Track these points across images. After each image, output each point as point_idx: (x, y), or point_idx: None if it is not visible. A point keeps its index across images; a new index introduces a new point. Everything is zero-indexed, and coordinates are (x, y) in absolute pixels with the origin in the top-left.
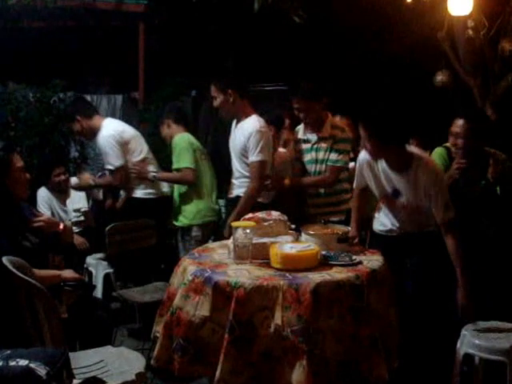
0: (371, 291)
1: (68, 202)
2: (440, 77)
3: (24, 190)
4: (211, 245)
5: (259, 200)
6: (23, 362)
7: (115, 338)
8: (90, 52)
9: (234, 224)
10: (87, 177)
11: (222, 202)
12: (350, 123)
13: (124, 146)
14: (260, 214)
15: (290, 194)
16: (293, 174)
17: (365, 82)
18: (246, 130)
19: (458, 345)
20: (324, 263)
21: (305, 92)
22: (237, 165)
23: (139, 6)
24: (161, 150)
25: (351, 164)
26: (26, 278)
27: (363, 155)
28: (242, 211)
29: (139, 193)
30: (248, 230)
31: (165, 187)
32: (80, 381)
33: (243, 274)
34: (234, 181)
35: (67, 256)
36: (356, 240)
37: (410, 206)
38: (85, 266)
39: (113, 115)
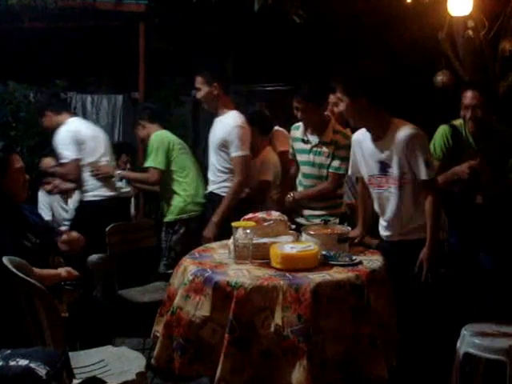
0: (371, 291)
1: (70, 201)
2: (440, 77)
3: (22, 192)
4: (212, 245)
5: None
6: (23, 362)
7: (115, 338)
8: (90, 52)
9: (235, 224)
10: (49, 162)
11: None
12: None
13: (79, 145)
14: (260, 214)
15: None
16: (283, 173)
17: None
18: (228, 124)
19: (458, 344)
20: (324, 263)
21: (305, 93)
22: (213, 159)
23: (139, 6)
24: None
25: None
26: (27, 277)
27: (355, 136)
28: (227, 207)
29: (90, 195)
30: (248, 230)
31: (124, 188)
32: (80, 380)
33: (243, 274)
34: (209, 176)
35: (68, 256)
36: (357, 240)
37: (398, 182)
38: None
39: (113, 115)
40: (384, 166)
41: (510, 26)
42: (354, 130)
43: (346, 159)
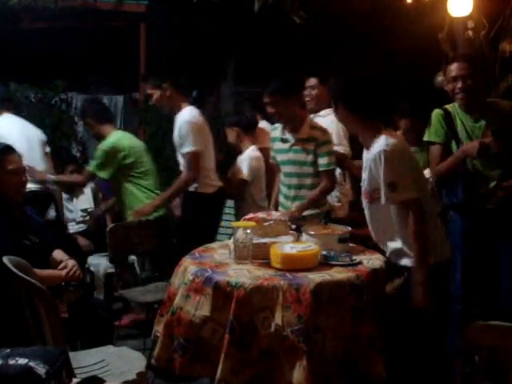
0: (371, 291)
1: (75, 202)
2: (440, 78)
3: (18, 193)
4: (212, 245)
5: None
6: (22, 361)
7: (116, 338)
8: (91, 52)
9: (235, 224)
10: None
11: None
12: None
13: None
14: (260, 214)
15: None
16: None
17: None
18: (178, 122)
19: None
20: (324, 263)
21: (272, 87)
22: (179, 158)
23: (140, 7)
24: (161, 151)
25: None
26: (27, 277)
27: None
28: (170, 196)
29: None
30: (248, 230)
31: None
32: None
33: (244, 274)
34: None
35: (69, 256)
36: None
37: (369, 197)
38: (86, 266)
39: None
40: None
41: (509, 26)
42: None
43: (331, 153)
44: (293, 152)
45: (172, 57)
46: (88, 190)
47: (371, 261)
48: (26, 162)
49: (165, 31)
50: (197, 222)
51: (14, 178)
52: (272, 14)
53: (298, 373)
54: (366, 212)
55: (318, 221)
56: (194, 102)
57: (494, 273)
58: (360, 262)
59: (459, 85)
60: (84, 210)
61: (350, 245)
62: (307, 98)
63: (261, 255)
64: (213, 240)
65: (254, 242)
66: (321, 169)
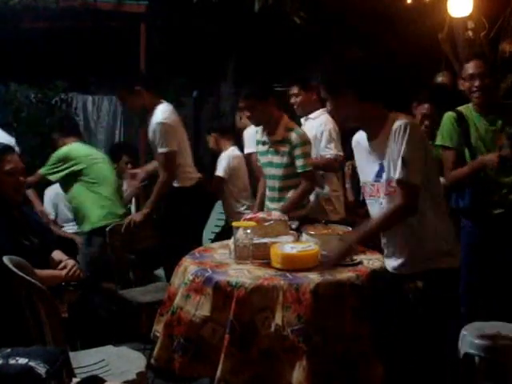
0: (371, 291)
1: None
2: (440, 78)
3: (16, 193)
4: (212, 245)
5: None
6: (23, 361)
7: (116, 338)
8: (91, 52)
9: (235, 224)
10: None
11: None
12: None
13: None
14: (261, 214)
15: None
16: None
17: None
18: (151, 125)
19: (458, 345)
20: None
21: (249, 91)
22: (156, 158)
23: (140, 7)
24: None
25: None
26: (27, 277)
27: (354, 138)
28: (154, 200)
29: None
30: (249, 230)
31: None
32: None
33: (244, 274)
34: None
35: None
36: None
37: (385, 190)
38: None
39: (114, 116)
40: (378, 171)
41: (509, 27)
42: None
43: (306, 155)
44: (270, 154)
45: (172, 57)
46: None
47: (371, 261)
48: None
49: (165, 31)
50: (180, 215)
51: (12, 178)
52: (272, 14)
53: (298, 373)
54: (377, 211)
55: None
56: (195, 102)
57: (505, 278)
58: (360, 262)
59: (476, 83)
60: None
61: None
62: (294, 106)
63: (261, 255)
64: (198, 232)
65: (254, 241)
66: (298, 171)
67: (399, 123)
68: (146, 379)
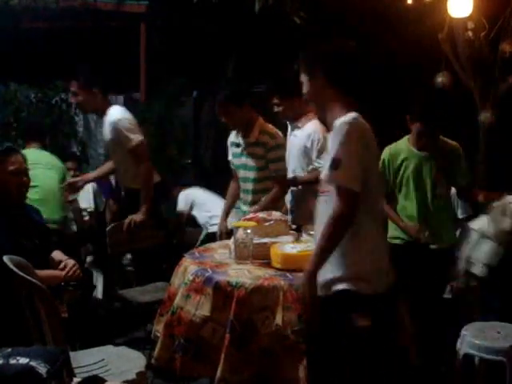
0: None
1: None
2: (440, 78)
3: (17, 194)
4: (212, 245)
5: None
6: (24, 360)
7: (116, 338)
8: (91, 52)
9: (235, 224)
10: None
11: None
12: None
13: None
14: (261, 214)
15: None
16: None
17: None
18: (107, 125)
19: (458, 345)
20: None
21: (225, 96)
22: (115, 158)
23: (140, 7)
24: (162, 151)
25: None
26: (28, 277)
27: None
28: (148, 195)
29: None
30: (249, 230)
31: None
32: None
33: (244, 274)
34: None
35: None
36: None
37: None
38: (85, 266)
39: None
40: (335, 164)
41: (509, 27)
42: None
43: (280, 159)
44: (245, 157)
45: (172, 57)
46: (90, 190)
47: None
48: None
49: (165, 31)
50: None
51: (16, 179)
52: (272, 14)
53: (298, 373)
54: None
55: None
56: (195, 102)
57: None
58: None
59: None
60: (84, 210)
61: None
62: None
63: (261, 255)
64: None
65: (255, 241)
66: (272, 174)
67: (340, 120)
68: (145, 379)
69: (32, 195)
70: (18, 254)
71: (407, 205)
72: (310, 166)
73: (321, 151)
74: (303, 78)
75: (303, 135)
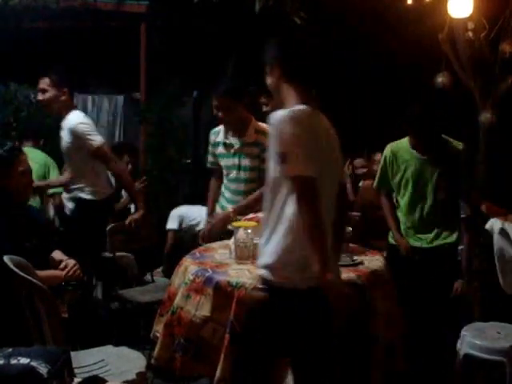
0: (372, 291)
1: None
2: (440, 79)
3: (25, 193)
4: (212, 245)
5: None
6: (24, 361)
7: (116, 338)
8: (91, 52)
9: (235, 224)
10: None
11: None
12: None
13: None
14: (261, 215)
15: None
16: None
17: (365, 84)
18: (69, 127)
19: (458, 345)
20: None
21: (226, 89)
22: (70, 164)
23: (141, 7)
24: (161, 151)
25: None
26: (28, 277)
27: None
28: (133, 191)
29: None
30: (249, 230)
31: None
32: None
33: (244, 274)
34: (72, 184)
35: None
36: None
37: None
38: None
39: (114, 116)
40: (284, 157)
41: (510, 27)
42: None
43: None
44: (237, 157)
45: (172, 57)
46: None
47: (372, 261)
48: None
49: (165, 31)
50: (93, 227)
51: (24, 179)
52: (272, 14)
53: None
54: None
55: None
56: (195, 102)
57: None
58: (361, 263)
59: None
60: None
61: (351, 245)
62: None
63: None
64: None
65: (255, 241)
66: (260, 175)
67: (278, 113)
68: (145, 379)
69: None
70: (18, 254)
71: (405, 207)
72: None
73: None
74: (266, 69)
75: None
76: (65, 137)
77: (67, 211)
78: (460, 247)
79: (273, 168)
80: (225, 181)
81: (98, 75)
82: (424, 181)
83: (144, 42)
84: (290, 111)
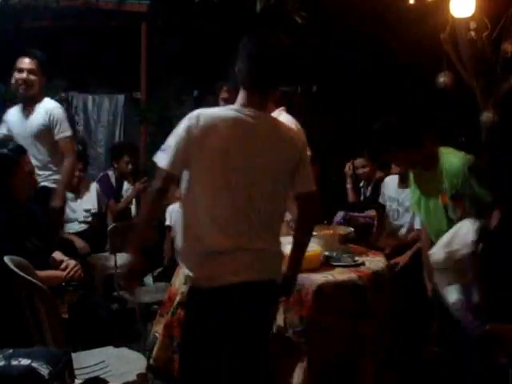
0: (373, 292)
1: (79, 202)
2: (442, 78)
3: (25, 194)
4: None
5: None
6: (25, 362)
7: (116, 339)
8: (91, 52)
9: None
10: None
11: None
12: None
13: None
14: None
15: None
16: None
17: (366, 84)
18: (45, 109)
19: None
20: (327, 264)
21: (230, 82)
22: (34, 151)
23: (142, 6)
24: None
25: None
26: (28, 277)
27: None
28: (66, 186)
29: None
30: None
31: None
32: (82, 381)
33: None
34: (37, 171)
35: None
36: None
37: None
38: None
39: (115, 115)
40: None
41: (511, 27)
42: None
43: None
44: None
45: (173, 56)
46: (93, 191)
47: (373, 262)
48: None
49: (166, 31)
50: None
51: (31, 179)
52: (273, 13)
53: (299, 373)
54: None
55: None
56: (196, 101)
57: None
58: (362, 263)
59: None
60: (87, 211)
61: (352, 246)
62: None
63: None
64: None
65: None
66: None
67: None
68: (146, 380)
69: None
70: (18, 255)
71: (427, 227)
72: None
73: None
74: None
75: None
76: (38, 119)
77: None
78: None
79: None
80: None
81: (98, 74)
82: (432, 201)
83: (145, 42)
84: (193, 112)
